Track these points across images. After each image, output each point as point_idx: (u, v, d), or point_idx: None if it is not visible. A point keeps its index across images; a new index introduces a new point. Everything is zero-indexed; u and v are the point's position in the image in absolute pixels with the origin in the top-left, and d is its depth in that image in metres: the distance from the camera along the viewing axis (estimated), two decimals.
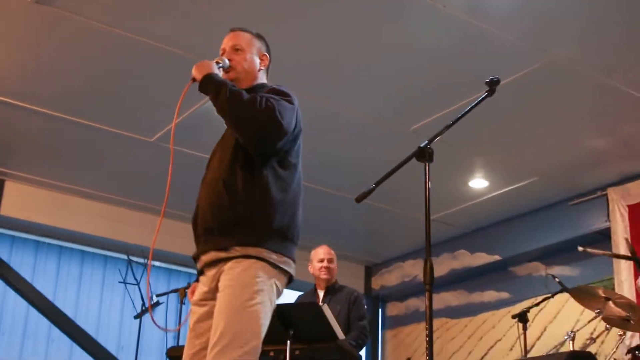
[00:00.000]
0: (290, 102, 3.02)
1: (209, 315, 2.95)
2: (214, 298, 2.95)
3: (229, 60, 3.18)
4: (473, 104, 3.12)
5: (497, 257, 8.11)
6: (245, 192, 2.93)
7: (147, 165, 6.84)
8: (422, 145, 2.86)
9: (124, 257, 7.14)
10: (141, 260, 6.91)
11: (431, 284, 2.69)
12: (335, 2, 4.77)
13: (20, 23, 5.06)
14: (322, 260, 5.69)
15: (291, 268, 3.01)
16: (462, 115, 3.07)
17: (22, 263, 8.11)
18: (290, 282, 3.06)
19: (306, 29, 5.06)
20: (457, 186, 7.33)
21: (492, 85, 3.15)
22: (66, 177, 7.47)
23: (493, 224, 8.16)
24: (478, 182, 7.27)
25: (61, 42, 5.28)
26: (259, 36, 3.31)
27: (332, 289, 5.67)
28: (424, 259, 2.78)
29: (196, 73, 3.07)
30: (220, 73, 3.10)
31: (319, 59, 5.38)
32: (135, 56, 5.40)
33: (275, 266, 2.92)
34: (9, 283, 7.62)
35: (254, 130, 2.90)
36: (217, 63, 3.13)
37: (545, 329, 7.43)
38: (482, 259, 8.26)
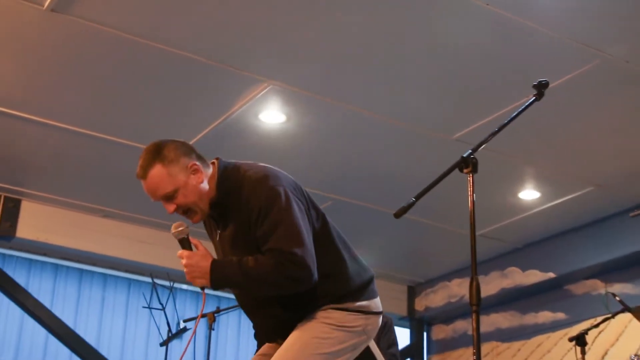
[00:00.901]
0: (291, 205, 2.85)
1: None
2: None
3: (176, 209, 2.95)
4: (520, 109, 3.11)
5: (551, 275, 8.04)
6: (294, 297, 2.91)
7: None
8: (465, 155, 2.85)
9: (149, 280, 7.20)
10: (166, 283, 6.96)
11: (478, 305, 2.67)
12: (370, 2, 4.79)
13: (35, 33, 5.14)
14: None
15: (372, 308, 3.03)
16: (509, 122, 3.06)
17: (41, 288, 8.23)
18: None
19: (339, 32, 5.07)
20: (506, 198, 7.29)
21: (541, 88, 3.14)
22: (86, 195, 7.54)
23: (546, 239, 8.09)
24: (529, 194, 7.22)
25: (79, 52, 5.35)
26: (162, 155, 2.95)
27: None
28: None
29: (201, 282, 2.87)
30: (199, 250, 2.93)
31: (353, 63, 5.39)
32: (158, 65, 5.45)
33: (353, 311, 2.97)
34: (27, 310, 7.70)
35: (293, 291, 2.86)
36: (183, 239, 2.94)
37: (606, 353, 7.35)
38: (535, 276, 8.19)
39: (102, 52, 5.34)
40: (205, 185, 2.95)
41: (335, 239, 3.04)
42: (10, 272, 7.85)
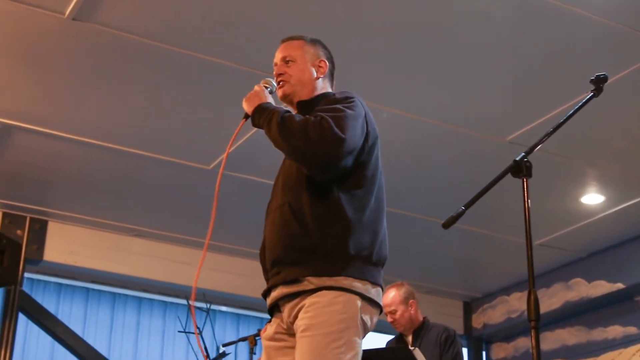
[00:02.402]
0: (352, 109, 3.03)
1: (286, 353, 2.98)
2: (290, 334, 2.98)
3: (282, 73, 3.26)
4: (576, 107, 3.09)
5: (620, 286, 7.96)
6: (316, 215, 2.95)
7: (205, 196, 6.88)
8: (517, 159, 2.84)
9: (185, 302, 7.24)
10: (203, 305, 7.00)
11: (537, 320, 2.66)
12: (416, 1, 4.81)
13: (56, 42, 5.21)
14: (386, 314, 5.62)
15: (379, 296, 2.99)
16: (564, 121, 3.03)
17: (71, 314, 8.32)
18: (381, 312, 3.06)
19: (384, 33, 5.09)
20: (567, 203, 7.24)
21: (599, 83, 3.11)
22: (115, 213, 7.62)
23: (613, 246, 8.03)
24: (592, 198, 7.16)
25: (103, 61, 5.41)
26: (314, 41, 3.36)
27: (421, 331, 5.62)
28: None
29: (247, 107, 3.19)
30: (271, 98, 3.20)
31: (397, 63, 5.40)
32: (186, 73, 5.50)
33: (360, 296, 2.90)
34: (57, 338, 7.78)
35: (314, 159, 2.91)
36: (266, 87, 3.25)
37: None
38: (602, 288, 8.12)
39: (127, 61, 5.40)
40: (313, 76, 3.28)
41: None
42: (38, 298, 7.94)
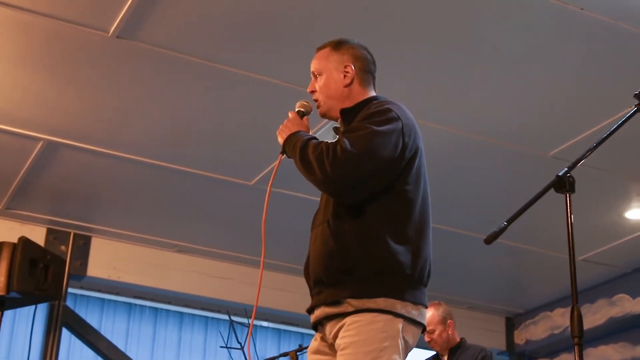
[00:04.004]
0: (381, 124, 2.96)
1: None
2: (334, 350, 2.98)
3: (313, 91, 3.26)
4: (620, 122, 3.07)
5: None
6: (354, 234, 2.93)
7: (247, 212, 6.97)
8: (560, 174, 2.83)
9: (226, 317, 7.27)
10: (245, 320, 7.02)
11: (581, 337, 2.64)
12: (453, 11, 4.80)
13: (101, 61, 5.27)
14: (423, 333, 5.59)
15: (422, 316, 2.97)
16: (608, 136, 3.02)
17: (114, 329, 8.37)
18: (424, 332, 3.05)
19: (425, 48, 5.10)
20: (611, 218, 7.18)
21: None
22: (158, 229, 7.67)
23: None
24: (636, 213, 7.10)
25: (147, 79, 5.47)
26: (339, 44, 3.28)
27: (457, 351, 5.59)
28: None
29: (280, 140, 3.19)
30: (302, 125, 3.21)
31: (438, 78, 5.40)
32: (229, 89, 5.54)
33: (401, 317, 2.89)
34: (100, 352, 7.83)
35: (333, 186, 2.91)
36: (300, 112, 3.26)
37: None
38: None
39: (171, 78, 5.45)
40: (341, 84, 3.20)
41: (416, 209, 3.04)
42: (82, 313, 8.00)
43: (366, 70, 3.27)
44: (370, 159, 2.89)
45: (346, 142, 2.88)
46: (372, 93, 3.27)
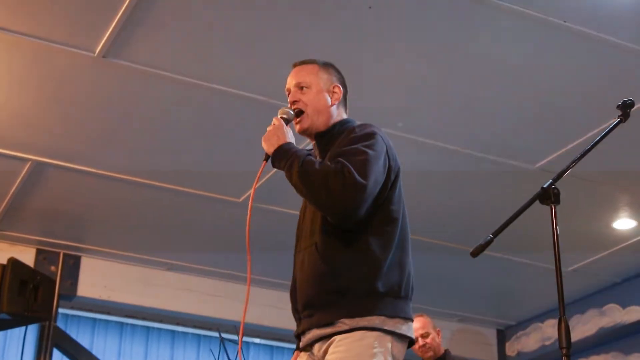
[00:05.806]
0: (373, 148, 3.00)
1: None
2: None
3: (297, 100, 3.25)
4: (604, 133, 3.09)
5: None
6: (344, 257, 2.95)
7: (236, 229, 6.90)
8: (545, 186, 2.85)
9: (217, 335, 7.26)
10: (235, 337, 7.00)
11: (568, 348, 2.65)
12: (442, 27, 4.82)
13: (87, 81, 5.28)
14: (417, 338, 5.58)
15: (410, 330, 3.00)
16: (591, 147, 3.04)
17: (106, 349, 8.31)
18: (412, 345, 3.06)
19: (409, 61, 5.11)
20: (599, 229, 7.19)
21: (625, 108, 3.12)
22: (148, 248, 7.66)
23: None
24: (624, 223, 7.11)
25: (133, 98, 5.48)
26: (327, 66, 3.33)
27: None
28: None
29: (266, 147, 3.14)
30: (290, 133, 3.17)
31: (424, 92, 5.42)
32: (215, 107, 5.55)
33: (392, 334, 2.91)
34: None
35: (335, 210, 2.90)
36: (283, 118, 3.21)
37: None
38: (637, 313, 8.03)
39: (156, 97, 5.46)
40: (328, 103, 3.25)
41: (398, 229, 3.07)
42: (73, 333, 7.97)
43: (345, 97, 3.34)
44: (376, 186, 2.94)
45: (352, 169, 2.87)
46: (345, 112, 3.34)
